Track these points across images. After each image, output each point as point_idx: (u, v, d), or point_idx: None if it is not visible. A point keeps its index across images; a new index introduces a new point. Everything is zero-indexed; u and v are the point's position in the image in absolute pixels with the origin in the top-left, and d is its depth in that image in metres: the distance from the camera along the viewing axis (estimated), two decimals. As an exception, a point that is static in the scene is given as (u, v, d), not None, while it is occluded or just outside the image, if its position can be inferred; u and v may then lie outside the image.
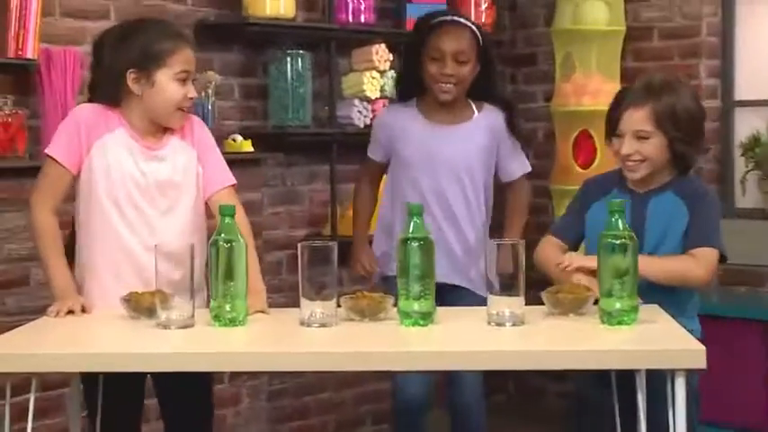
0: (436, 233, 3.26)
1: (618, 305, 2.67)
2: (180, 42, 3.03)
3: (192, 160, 3.08)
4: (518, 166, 3.80)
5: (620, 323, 2.67)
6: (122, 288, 2.90)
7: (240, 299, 2.74)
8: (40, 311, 2.99)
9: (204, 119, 3.80)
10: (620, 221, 2.69)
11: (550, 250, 3.16)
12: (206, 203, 3.12)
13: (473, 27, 3.70)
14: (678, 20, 5.07)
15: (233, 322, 2.73)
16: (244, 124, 4.60)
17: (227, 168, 3.16)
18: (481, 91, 3.71)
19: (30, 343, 2.67)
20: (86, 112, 3.05)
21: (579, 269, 2.92)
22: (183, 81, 3.01)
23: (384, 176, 3.86)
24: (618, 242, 2.67)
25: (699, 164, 5.00)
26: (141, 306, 2.82)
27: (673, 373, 2.48)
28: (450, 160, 3.64)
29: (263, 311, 2.90)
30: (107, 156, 3.00)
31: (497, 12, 5.26)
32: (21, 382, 2.65)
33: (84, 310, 2.91)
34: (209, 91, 4.32)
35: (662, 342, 2.58)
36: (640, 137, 3.02)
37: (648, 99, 3.03)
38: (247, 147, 4.43)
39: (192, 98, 3.05)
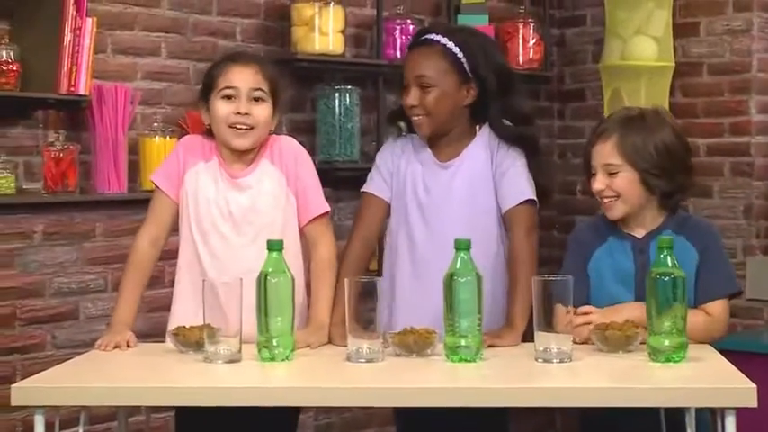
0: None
1: (667, 342, 2.65)
2: (227, 63, 3.03)
3: (280, 186, 3.04)
4: (515, 191, 3.07)
5: (668, 360, 2.65)
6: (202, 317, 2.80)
7: (287, 334, 2.73)
8: (90, 345, 3.01)
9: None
10: (668, 258, 2.66)
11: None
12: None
13: (449, 44, 3.05)
14: (728, 56, 5.05)
15: (279, 357, 2.73)
16: (292, 160, 4.62)
17: (319, 194, 3.08)
18: (481, 121, 3.14)
19: (78, 376, 2.68)
20: (187, 140, 3.14)
21: (597, 326, 2.79)
22: (229, 98, 2.98)
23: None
24: (666, 279, 2.65)
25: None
26: (189, 340, 2.82)
27: (722, 411, 2.46)
28: (451, 195, 3.11)
29: (308, 346, 2.86)
30: (197, 183, 3.03)
31: (545, 48, 5.26)
32: (70, 416, 2.66)
33: (129, 345, 2.90)
34: (258, 126, 4.34)
35: (711, 380, 2.55)
36: (610, 172, 2.90)
37: (615, 131, 2.90)
38: (295, 182, 4.44)
39: (239, 113, 2.96)
